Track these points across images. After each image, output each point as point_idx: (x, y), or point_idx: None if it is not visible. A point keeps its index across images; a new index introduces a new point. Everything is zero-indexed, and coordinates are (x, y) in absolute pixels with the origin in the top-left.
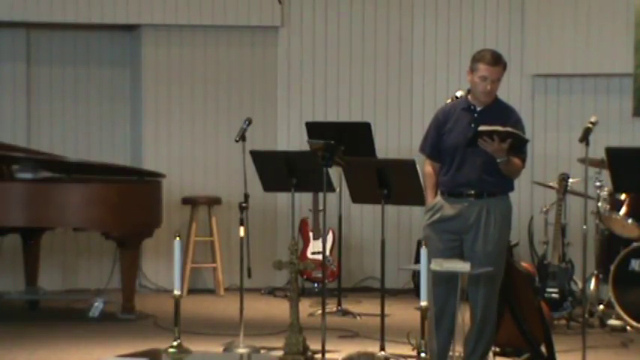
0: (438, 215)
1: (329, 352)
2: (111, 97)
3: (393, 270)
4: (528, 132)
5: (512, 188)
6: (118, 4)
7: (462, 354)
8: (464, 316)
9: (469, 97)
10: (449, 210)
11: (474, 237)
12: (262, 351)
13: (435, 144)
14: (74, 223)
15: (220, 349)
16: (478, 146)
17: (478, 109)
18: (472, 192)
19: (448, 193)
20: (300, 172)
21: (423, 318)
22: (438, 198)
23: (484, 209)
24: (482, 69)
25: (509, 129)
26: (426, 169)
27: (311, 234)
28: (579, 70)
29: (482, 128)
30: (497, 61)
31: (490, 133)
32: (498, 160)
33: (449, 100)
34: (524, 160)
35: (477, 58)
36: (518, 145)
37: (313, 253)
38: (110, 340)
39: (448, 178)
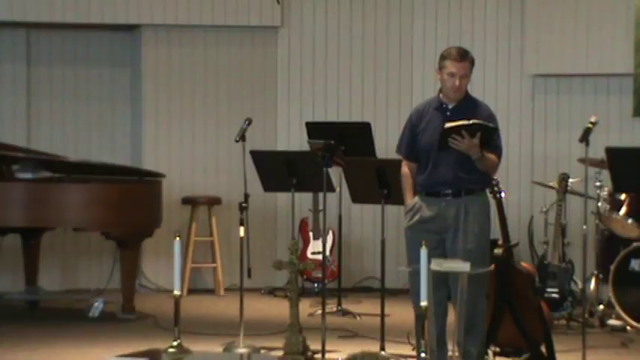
0: (417, 216)
1: (329, 352)
2: (111, 97)
3: (393, 270)
4: (528, 132)
5: (489, 184)
6: (118, 4)
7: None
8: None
9: (441, 95)
10: (428, 210)
11: (454, 235)
12: (262, 351)
13: (410, 144)
14: (74, 223)
15: (220, 349)
16: (450, 148)
17: (450, 106)
18: (449, 191)
19: (426, 192)
20: (300, 172)
21: (423, 318)
22: (416, 198)
23: (462, 207)
24: (450, 65)
25: (474, 120)
26: (402, 170)
27: (311, 234)
28: (579, 70)
29: (448, 125)
30: (463, 56)
31: (458, 129)
32: (473, 158)
33: None
34: (499, 156)
35: (443, 56)
36: (488, 138)
37: (313, 253)
38: (110, 340)
39: (425, 177)
